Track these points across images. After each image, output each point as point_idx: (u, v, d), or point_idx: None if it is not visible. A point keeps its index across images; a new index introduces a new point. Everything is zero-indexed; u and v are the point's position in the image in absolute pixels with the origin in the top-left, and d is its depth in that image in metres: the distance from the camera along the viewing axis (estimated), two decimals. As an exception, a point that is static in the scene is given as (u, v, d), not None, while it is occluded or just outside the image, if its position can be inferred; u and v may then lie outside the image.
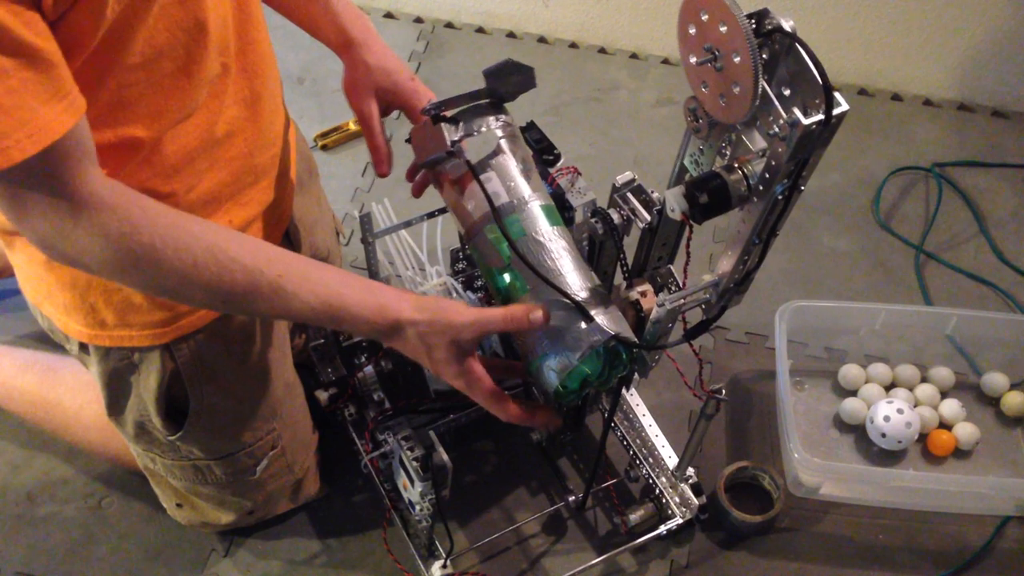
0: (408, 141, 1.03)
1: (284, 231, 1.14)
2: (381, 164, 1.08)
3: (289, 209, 1.14)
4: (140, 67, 0.79)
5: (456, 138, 0.95)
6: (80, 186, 0.75)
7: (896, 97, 1.97)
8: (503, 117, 0.97)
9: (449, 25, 2.09)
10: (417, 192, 1.11)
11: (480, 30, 2.08)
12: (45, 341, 1.46)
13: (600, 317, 0.89)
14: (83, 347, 1.04)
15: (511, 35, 2.08)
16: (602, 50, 2.05)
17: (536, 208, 0.94)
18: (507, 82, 0.95)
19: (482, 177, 0.94)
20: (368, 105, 1.07)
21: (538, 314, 0.88)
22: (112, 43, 0.75)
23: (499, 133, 0.96)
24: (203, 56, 0.84)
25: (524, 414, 0.95)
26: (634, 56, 2.04)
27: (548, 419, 0.98)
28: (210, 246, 0.82)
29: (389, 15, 2.10)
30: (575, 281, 0.91)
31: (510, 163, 0.96)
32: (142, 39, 0.77)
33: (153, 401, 1.06)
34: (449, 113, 0.96)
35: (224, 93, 0.91)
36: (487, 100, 0.97)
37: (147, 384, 1.05)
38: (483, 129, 0.96)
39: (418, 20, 2.10)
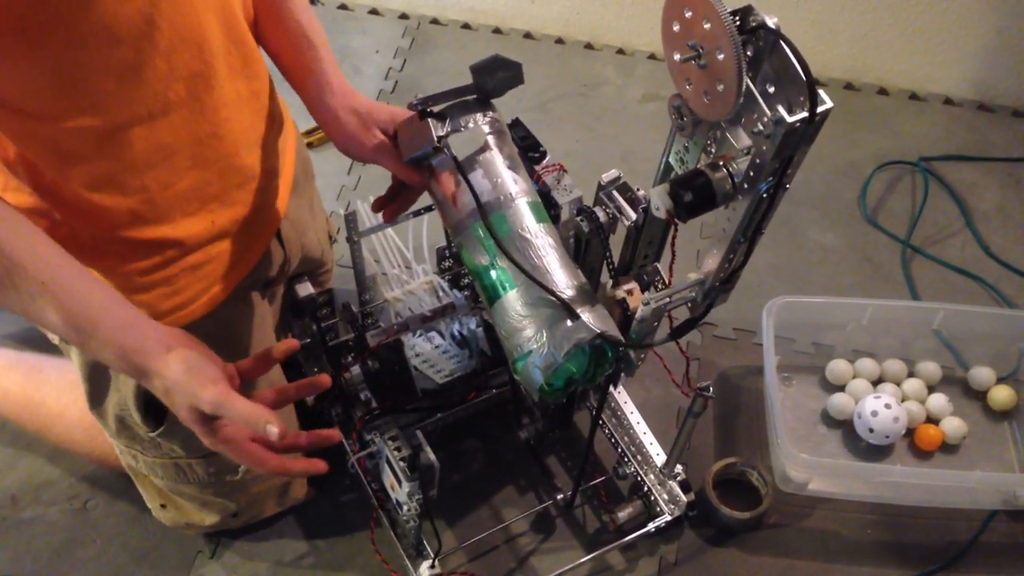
0: (394, 138, 1.02)
1: (274, 232, 1.13)
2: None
3: (281, 211, 1.13)
4: (96, 50, 0.77)
5: (443, 133, 0.94)
6: None
7: (882, 91, 1.97)
8: (490, 114, 0.97)
9: (435, 21, 2.08)
10: (388, 218, 1.11)
11: (466, 26, 2.07)
12: (29, 341, 1.45)
13: (586, 315, 0.88)
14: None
15: (497, 31, 2.07)
16: (588, 46, 2.05)
17: (523, 205, 0.94)
18: (494, 78, 0.94)
19: (469, 173, 0.94)
20: (380, 137, 1.03)
21: (274, 430, 0.83)
22: (55, 23, 0.74)
23: (486, 129, 0.96)
24: (166, 49, 0.83)
25: (286, 467, 0.91)
26: (620, 52, 2.03)
27: (311, 467, 0.93)
28: None
29: (374, 11, 2.09)
30: (561, 279, 0.91)
31: (497, 159, 0.95)
32: (97, 21, 0.76)
33: (132, 396, 1.06)
34: (436, 108, 0.96)
35: (208, 93, 0.90)
36: (474, 96, 0.96)
37: (127, 379, 1.04)
38: (470, 125, 0.95)
39: (403, 16, 2.09)
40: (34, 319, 0.83)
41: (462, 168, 0.94)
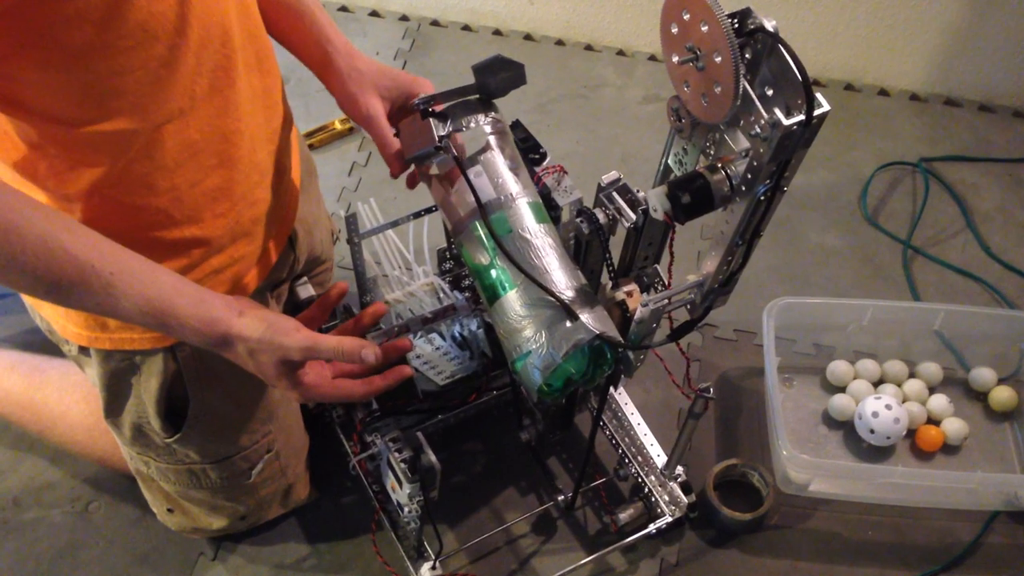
0: (396, 134, 1.02)
1: (290, 231, 1.13)
2: (394, 164, 1.04)
3: (294, 209, 1.13)
4: (133, 51, 0.78)
5: (444, 133, 0.94)
6: None
7: (883, 92, 1.97)
8: (493, 114, 0.97)
9: (435, 23, 2.08)
10: (411, 184, 1.11)
11: (466, 28, 2.08)
12: (31, 343, 1.45)
13: (585, 315, 0.88)
14: (83, 349, 1.03)
15: (497, 32, 2.07)
16: (588, 47, 2.05)
17: (523, 205, 0.94)
18: (497, 78, 0.94)
19: (470, 173, 0.94)
20: (374, 103, 1.05)
21: (370, 352, 0.90)
22: (94, 33, 0.74)
23: (488, 130, 0.96)
24: (196, 43, 0.83)
25: (375, 386, 0.96)
26: (620, 53, 2.04)
27: (397, 376, 0.98)
28: (43, 233, 0.78)
29: (375, 13, 2.10)
30: (561, 279, 0.91)
31: (498, 160, 0.95)
32: (133, 21, 0.76)
33: (153, 403, 1.06)
34: (439, 108, 0.96)
35: (230, 87, 0.90)
36: (477, 96, 0.96)
37: (148, 386, 1.05)
38: (472, 125, 0.95)
39: (404, 18, 2.09)
40: (110, 313, 0.84)
41: (463, 168, 0.94)
